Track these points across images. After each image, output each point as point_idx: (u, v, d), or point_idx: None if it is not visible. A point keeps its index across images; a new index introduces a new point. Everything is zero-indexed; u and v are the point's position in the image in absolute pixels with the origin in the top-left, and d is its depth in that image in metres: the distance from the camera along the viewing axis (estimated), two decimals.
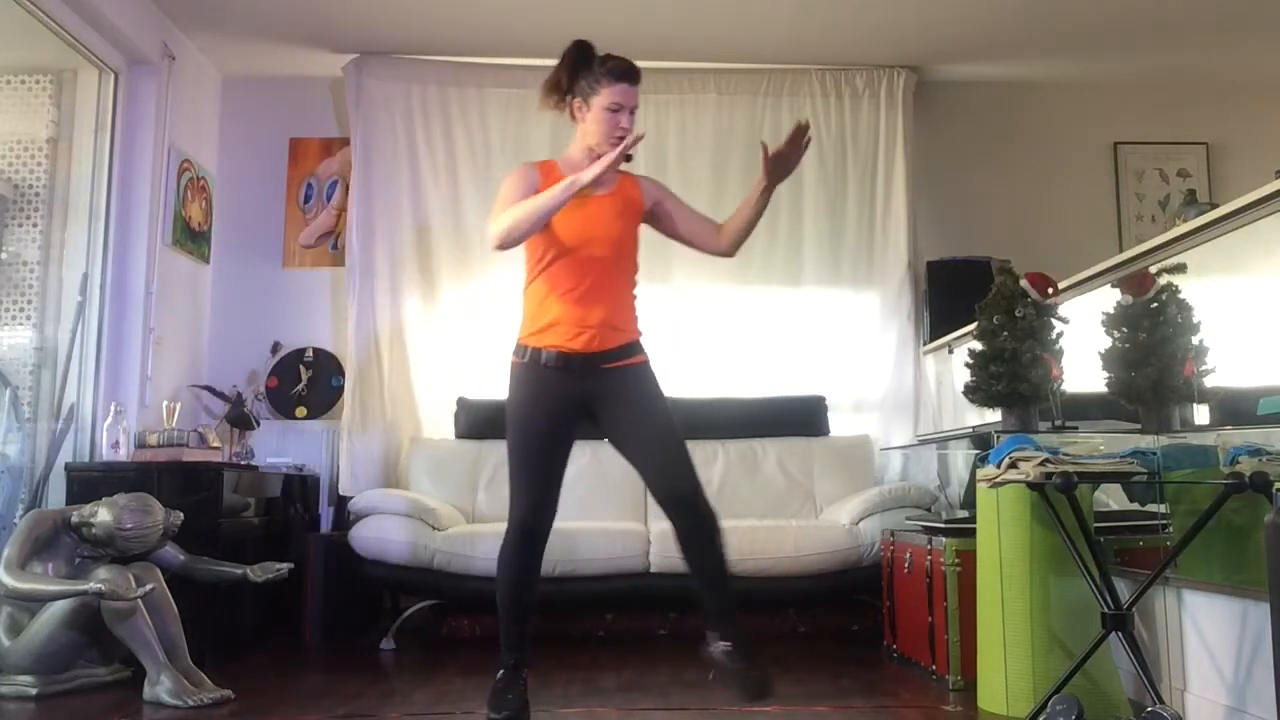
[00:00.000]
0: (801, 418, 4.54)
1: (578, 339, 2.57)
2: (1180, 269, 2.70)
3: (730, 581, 2.57)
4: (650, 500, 4.32)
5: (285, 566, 3.29)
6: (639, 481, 4.33)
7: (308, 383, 4.72)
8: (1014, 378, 3.02)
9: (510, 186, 2.63)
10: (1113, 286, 2.90)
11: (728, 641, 2.50)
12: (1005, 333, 3.06)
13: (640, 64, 4.93)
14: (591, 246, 2.60)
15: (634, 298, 2.73)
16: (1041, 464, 2.43)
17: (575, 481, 4.32)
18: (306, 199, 4.89)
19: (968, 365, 3.19)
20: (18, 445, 3.73)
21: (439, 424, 4.58)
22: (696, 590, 2.56)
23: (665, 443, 2.55)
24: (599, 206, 2.64)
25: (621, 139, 2.57)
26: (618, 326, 2.62)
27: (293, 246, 4.85)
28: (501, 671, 2.60)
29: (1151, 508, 2.74)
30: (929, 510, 3.91)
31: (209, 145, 4.77)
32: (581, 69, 2.69)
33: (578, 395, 2.59)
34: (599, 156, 2.57)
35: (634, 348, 2.65)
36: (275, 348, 4.74)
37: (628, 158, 2.57)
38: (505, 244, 2.52)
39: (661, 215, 2.79)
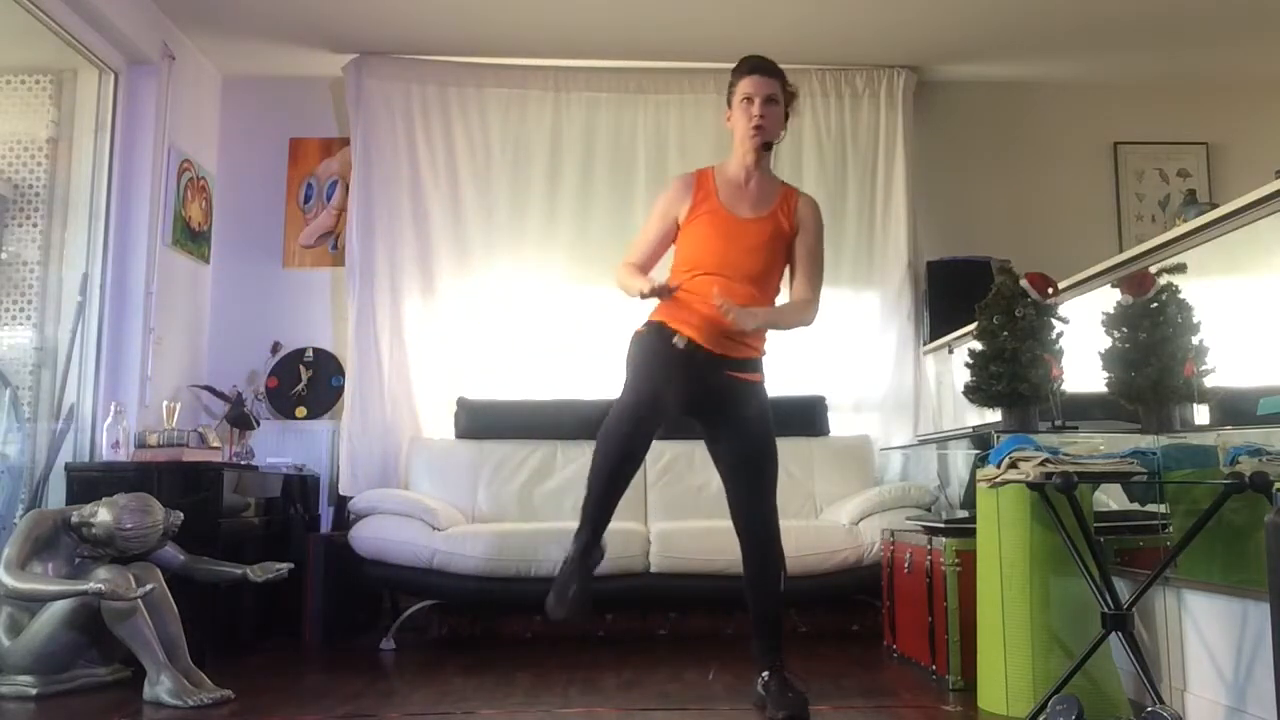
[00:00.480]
0: (801, 418, 4.54)
1: (709, 339, 2.63)
2: (1180, 269, 2.69)
3: (780, 618, 2.76)
4: (650, 500, 4.34)
5: (285, 566, 3.28)
6: (639, 482, 4.38)
7: (308, 383, 4.72)
8: (1014, 378, 3.02)
9: (660, 203, 2.79)
10: (1113, 286, 2.90)
11: (768, 672, 2.67)
12: (1005, 333, 3.06)
13: (640, 64, 4.96)
14: (730, 270, 2.65)
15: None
16: (1041, 464, 2.43)
17: (576, 481, 4.32)
18: (306, 199, 4.89)
19: (968, 365, 3.19)
20: (18, 445, 3.73)
21: (439, 424, 4.59)
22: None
23: (759, 474, 2.67)
24: (747, 233, 2.70)
25: (759, 128, 2.65)
26: (747, 342, 2.68)
27: (293, 246, 4.85)
28: (569, 556, 2.61)
29: (1151, 508, 2.74)
30: (929, 510, 3.91)
31: (209, 145, 4.77)
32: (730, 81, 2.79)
33: (691, 385, 2.63)
34: (744, 156, 2.71)
35: (754, 364, 2.73)
36: (275, 348, 4.74)
37: (767, 146, 2.68)
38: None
39: (791, 248, 2.80)
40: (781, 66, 2.81)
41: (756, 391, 2.72)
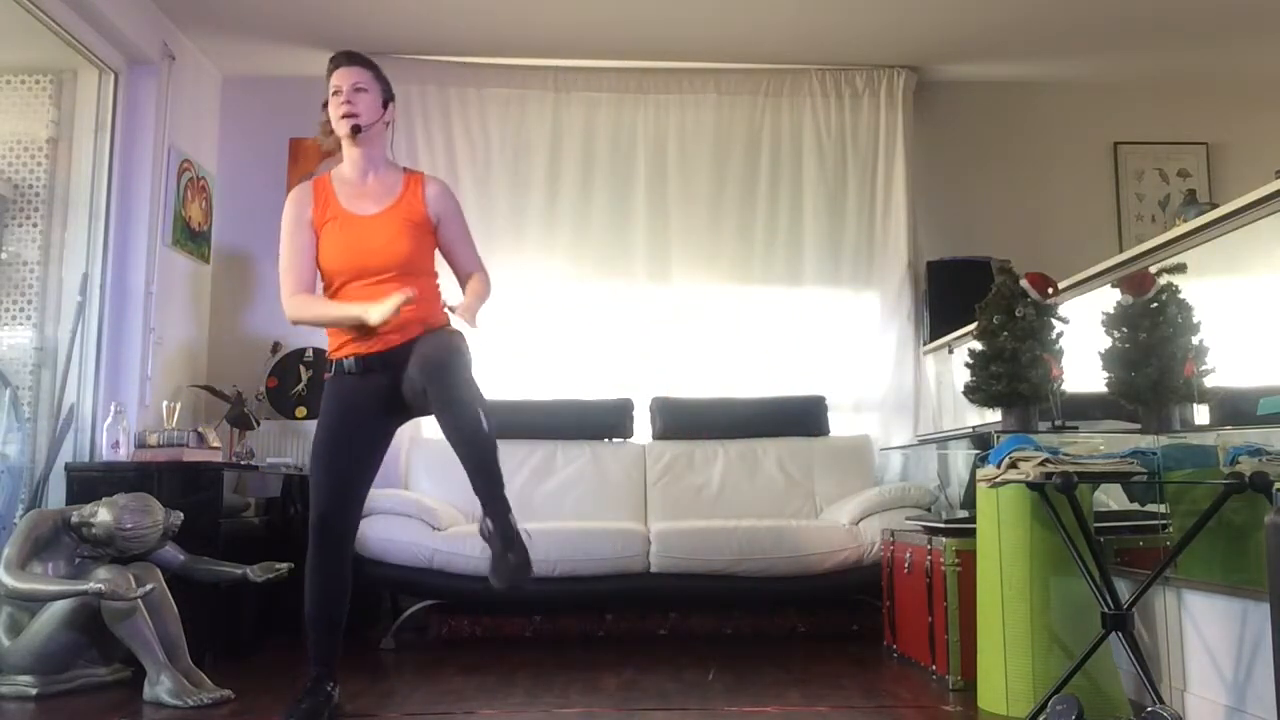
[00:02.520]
0: (801, 418, 4.54)
1: (371, 345, 2.61)
2: (1180, 269, 2.70)
3: (493, 460, 2.47)
4: (650, 500, 4.35)
5: (285, 566, 3.28)
6: (639, 482, 4.39)
7: (308, 383, 4.71)
8: (1014, 378, 3.02)
9: (285, 218, 2.75)
10: (1113, 286, 2.90)
11: (490, 519, 2.44)
12: (1005, 333, 3.06)
13: (640, 64, 4.96)
14: (372, 273, 2.63)
15: (434, 288, 2.75)
16: (1041, 464, 2.43)
17: (576, 481, 4.34)
18: None
19: (968, 365, 3.19)
20: (18, 445, 3.73)
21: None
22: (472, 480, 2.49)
23: (454, 395, 2.46)
24: (374, 228, 2.66)
25: (346, 115, 2.65)
26: (416, 324, 2.62)
27: None
28: (307, 683, 2.62)
29: (1151, 508, 2.74)
30: (929, 510, 3.91)
31: (209, 145, 4.77)
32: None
33: (381, 390, 2.61)
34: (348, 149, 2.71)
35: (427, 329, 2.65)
36: (275, 348, 4.73)
37: (357, 130, 2.65)
38: (298, 323, 2.72)
39: (439, 237, 2.78)
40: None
41: (426, 337, 2.60)
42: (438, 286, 2.79)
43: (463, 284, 2.80)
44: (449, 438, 2.46)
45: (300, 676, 3.27)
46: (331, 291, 2.70)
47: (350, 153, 2.74)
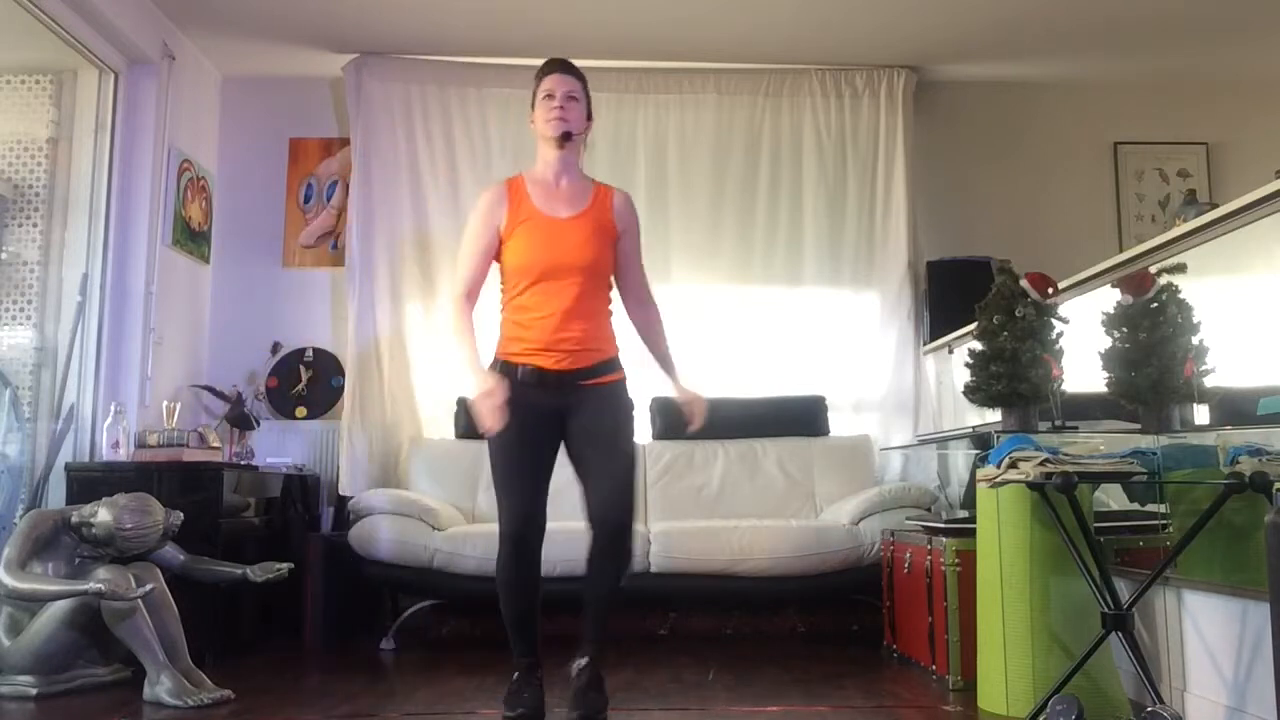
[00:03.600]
0: (801, 418, 4.54)
1: (552, 360, 2.63)
2: (1180, 269, 2.69)
3: (610, 613, 2.69)
4: (650, 500, 4.34)
5: (285, 566, 3.28)
6: (639, 481, 4.37)
7: (308, 383, 4.72)
8: (1014, 378, 3.02)
9: (474, 218, 2.75)
10: (1113, 286, 2.90)
11: (585, 658, 2.63)
12: (1005, 333, 3.06)
13: (640, 64, 4.97)
14: (561, 274, 2.65)
15: (609, 315, 2.77)
16: (1041, 464, 2.43)
17: (575, 481, 4.32)
18: (306, 199, 4.89)
19: (968, 365, 3.19)
20: (18, 445, 3.73)
21: (439, 424, 4.59)
22: (584, 607, 2.69)
23: (616, 471, 2.61)
24: (568, 231, 2.69)
25: (559, 119, 2.67)
26: (591, 346, 2.67)
27: (293, 246, 4.86)
28: (516, 674, 2.68)
29: (1151, 508, 2.74)
30: (929, 510, 3.91)
31: (209, 145, 4.77)
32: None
33: (554, 409, 2.65)
34: (546, 153, 2.73)
35: (608, 366, 2.70)
36: (275, 348, 4.74)
37: (567, 136, 2.68)
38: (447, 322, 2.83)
39: (618, 248, 2.80)
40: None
41: (613, 392, 2.69)
42: (609, 300, 2.79)
43: (634, 310, 2.83)
44: (591, 566, 2.65)
45: (300, 676, 3.28)
46: (516, 292, 2.69)
47: (549, 155, 2.73)
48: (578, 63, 2.81)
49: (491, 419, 2.51)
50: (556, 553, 3.69)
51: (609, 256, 2.75)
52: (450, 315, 2.76)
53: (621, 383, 2.74)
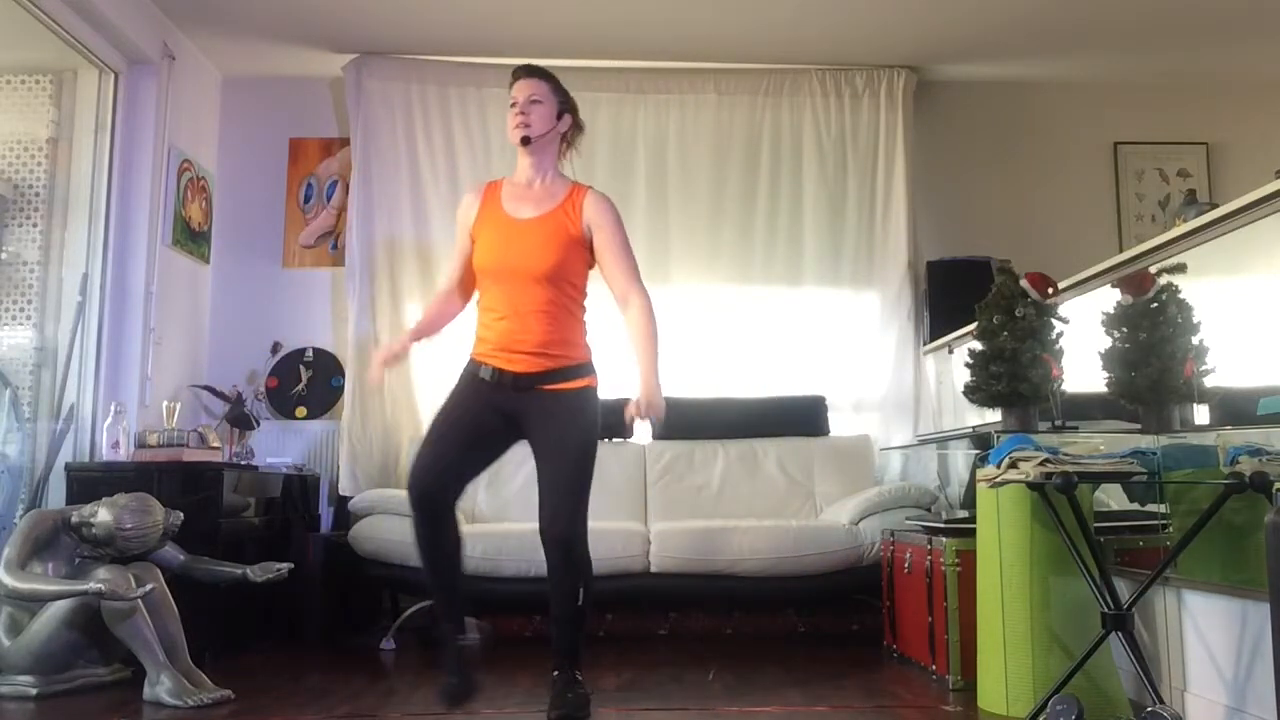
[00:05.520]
0: (801, 418, 4.54)
1: (510, 361, 2.65)
2: (1180, 269, 2.69)
3: (578, 628, 2.66)
4: (650, 500, 4.34)
5: (285, 566, 3.28)
6: (639, 482, 4.39)
7: (308, 383, 4.72)
8: (1014, 378, 3.02)
9: (457, 219, 2.87)
10: (1113, 286, 2.90)
11: (558, 670, 2.64)
12: (1005, 333, 3.06)
13: (640, 64, 4.98)
14: (518, 276, 2.66)
15: (578, 318, 2.75)
16: (1041, 464, 2.43)
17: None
18: (306, 199, 4.89)
19: (968, 365, 3.19)
20: (18, 445, 3.73)
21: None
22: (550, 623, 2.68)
23: (561, 482, 2.60)
24: (526, 232, 2.70)
25: (518, 126, 2.72)
26: (553, 351, 2.65)
27: (293, 246, 4.86)
28: (447, 650, 2.71)
29: (1151, 508, 2.74)
30: (929, 510, 3.91)
31: (209, 145, 4.77)
32: None
33: (512, 409, 2.67)
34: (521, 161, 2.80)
35: (568, 372, 2.67)
36: (275, 348, 4.74)
37: (526, 141, 2.74)
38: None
39: (594, 246, 2.78)
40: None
41: (571, 400, 2.66)
42: (583, 309, 2.77)
43: (620, 307, 2.77)
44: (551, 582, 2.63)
45: (300, 676, 3.28)
46: (482, 292, 2.75)
47: (521, 160, 2.80)
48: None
49: (374, 370, 2.70)
50: None
51: (576, 259, 2.71)
52: (432, 301, 2.90)
53: (585, 390, 2.69)
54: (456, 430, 2.66)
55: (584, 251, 2.74)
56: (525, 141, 2.72)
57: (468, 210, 2.81)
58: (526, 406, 2.65)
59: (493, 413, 2.67)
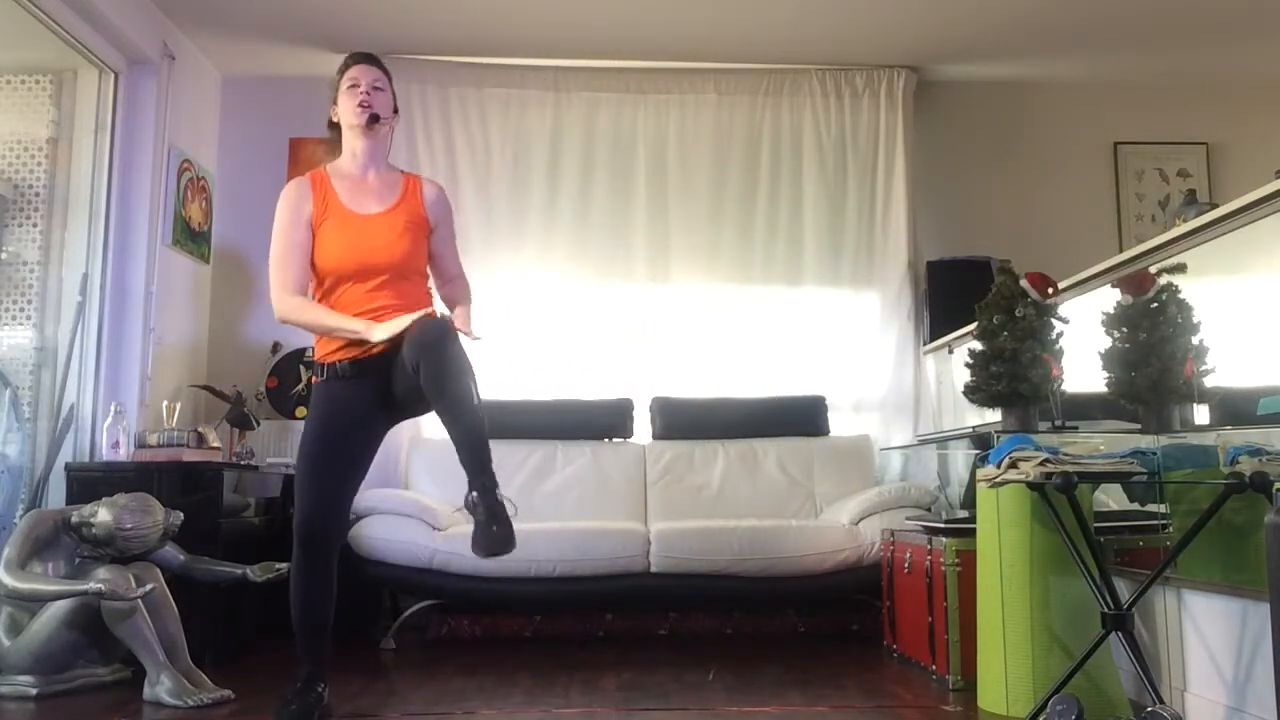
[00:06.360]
0: (801, 418, 4.55)
1: (367, 350, 2.59)
2: (1180, 269, 2.70)
3: (480, 443, 2.41)
4: (650, 500, 4.34)
5: (285, 566, 3.27)
6: (639, 482, 4.39)
7: (308, 383, 4.71)
8: (1014, 378, 3.02)
9: (281, 215, 2.70)
10: (1113, 286, 2.90)
11: (473, 492, 2.39)
12: (1005, 333, 3.06)
13: (640, 64, 4.97)
14: (371, 272, 2.61)
15: (426, 291, 2.75)
16: (1041, 464, 2.43)
17: (576, 481, 4.34)
18: None
19: (968, 365, 3.19)
20: (18, 445, 3.73)
21: (439, 424, 4.56)
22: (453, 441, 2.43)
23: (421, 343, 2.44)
24: (377, 227, 2.66)
25: (363, 105, 2.67)
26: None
27: None
28: (297, 682, 2.65)
29: (1151, 508, 2.74)
30: (929, 510, 3.91)
31: (209, 145, 4.77)
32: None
33: (374, 391, 2.61)
34: (354, 142, 2.73)
35: None
36: (275, 348, 4.73)
37: (375, 119, 2.69)
38: (286, 323, 2.66)
39: (432, 239, 2.78)
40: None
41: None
42: (429, 290, 2.79)
43: (443, 287, 2.81)
44: (439, 413, 2.43)
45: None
46: (323, 290, 2.66)
47: (355, 145, 2.75)
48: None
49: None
50: (557, 553, 3.73)
51: (422, 250, 2.73)
52: (291, 306, 2.61)
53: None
54: (338, 455, 2.59)
55: (426, 240, 2.75)
56: (374, 120, 2.69)
57: (300, 206, 2.67)
58: (392, 372, 2.56)
59: (360, 412, 2.59)
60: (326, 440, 2.60)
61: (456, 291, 2.82)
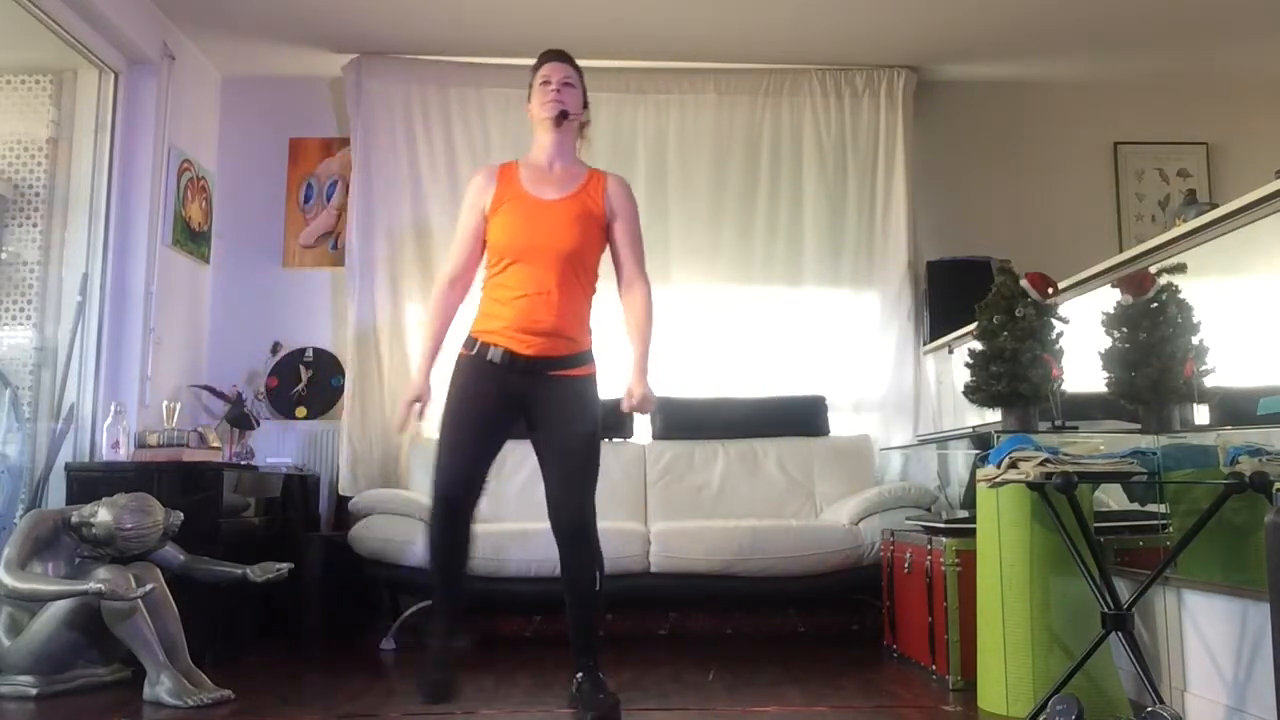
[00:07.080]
0: (801, 418, 4.54)
1: (524, 344, 2.63)
2: (1180, 269, 2.70)
3: (596, 618, 2.72)
4: (650, 500, 4.34)
5: (285, 566, 3.28)
6: (639, 481, 4.39)
7: (308, 383, 4.72)
8: (1014, 378, 3.02)
9: (465, 201, 2.82)
10: (1113, 286, 2.90)
11: (581, 673, 2.63)
12: (1005, 333, 3.06)
13: (640, 64, 4.99)
14: (540, 256, 2.66)
15: (589, 305, 2.76)
16: (1041, 464, 2.43)
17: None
18: (306, 199, 4.89)
19: (968, 365, 3.19)
20: (18, 445, 3.73)
21: (439, 424, 4.57)
22: (568, 621, 2.68)
23: (573, 470, 2.63)
24: (551, 212, 2.70)
25: (555, 101, 2.72)
26: (565, 335, 2.66)
27: (293, 246, 4.85)
28: (434, 635, 2.69)
29: (1151, 508, 2.74)
30: (929, 510, 3.91)
31: (209, 145, 4.77)
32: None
33: (518, 393, 2.65)
34: (543, 136, 2.78)
35: (576, 359, 2.69)
36: (275, 348, 4.74)
37: (564, 115, 2.73)
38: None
39: (611, 234, 2.82)
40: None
41: (580, 386, 2.69)
42: (594, 293, 2.78)
43: (623, 294, 2.81)
44: (565, 588, 2.67)
45: (300, 676, 3.28)
46: (496, 270, 2.70)
47: (544, 139, 2.78)
48: (578, 63, 2.84)
49: (406, 423, 2.71)
50: (555, 553, 3.72)
51: (595, 243, 2.75)
52: (433, 296, 2.81)
53: (590, 378, 2.72)
54: (472, 432, 2.64)
55: (602, 235, 2.77)
56: (563, 117, 2.73)
57: (481, 192, 2.76)
58: (534, 392, 2.65)
59: (500, 397, 2.65)
60: (464, 411, 2.65)
61: (636, 309, 2.78)
